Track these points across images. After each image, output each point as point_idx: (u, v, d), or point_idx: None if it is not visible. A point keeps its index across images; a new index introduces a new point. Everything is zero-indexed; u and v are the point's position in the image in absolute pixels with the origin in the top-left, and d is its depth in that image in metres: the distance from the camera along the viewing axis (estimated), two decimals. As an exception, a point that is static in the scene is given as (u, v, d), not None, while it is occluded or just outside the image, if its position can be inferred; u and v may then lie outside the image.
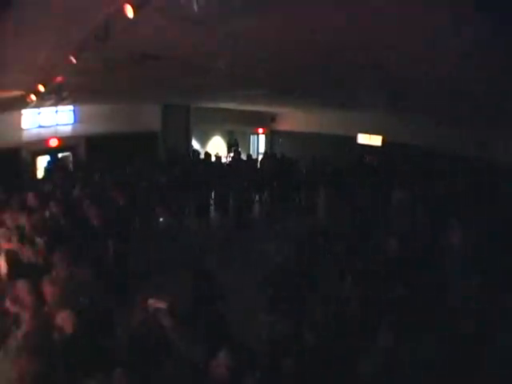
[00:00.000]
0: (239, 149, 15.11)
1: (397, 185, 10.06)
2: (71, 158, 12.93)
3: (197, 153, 14.24)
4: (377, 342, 4.57)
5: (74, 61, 4.97)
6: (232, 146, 16.08)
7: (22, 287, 4.53)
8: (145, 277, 6.69)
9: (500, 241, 6.41)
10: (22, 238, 6.11)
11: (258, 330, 5.24)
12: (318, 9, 3.50)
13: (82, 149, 12.99)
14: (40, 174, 11.90)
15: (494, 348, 4.48)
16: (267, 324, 5.37)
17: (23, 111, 11.18)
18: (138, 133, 13.73)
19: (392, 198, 9.39)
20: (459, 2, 3.07)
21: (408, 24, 3.70)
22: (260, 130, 17.88)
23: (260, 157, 15.71)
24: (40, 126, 11.95)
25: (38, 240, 6.10)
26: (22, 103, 8.44)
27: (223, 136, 17.93)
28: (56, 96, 8.14)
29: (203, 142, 17.40)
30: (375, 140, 14.39)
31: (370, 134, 14.46)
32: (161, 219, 10.37)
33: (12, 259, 5.40)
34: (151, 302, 4.71)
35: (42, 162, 12.08)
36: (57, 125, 12.35)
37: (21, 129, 11.50)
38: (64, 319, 4.07)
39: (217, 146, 17.12)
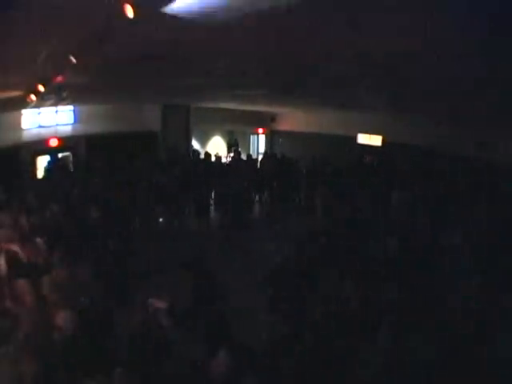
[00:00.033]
0: (239, 149, 15.10)
1: (397, 185, 10.06)
2: (71, 158, 12.92)
3: (197, 153, 14.23)
4: (377, 342, 4.57)
5: (74, 61, 4.97)
6: (232, 145, 16.07)
7: (22, 287, 4.53)
8: (145, 277, 6.69)
9: (500, 241, 6.41)
10: (22, 238, 6.11)
11: (258, 329, 5.25)
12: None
13: (82, 149, 12.98)
14: (40, 173, 11.90)
15: (493, 348, 4.48)
16: (267, 324, 5.37)
17: (23, 111, 11.18)
18: (137, 133, 13.73)
19: (392, 198, 9.38)
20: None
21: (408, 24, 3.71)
22: (260, 130, 17.87)
23: (260, 157, 15.70)
24: (40, 126, 11.95)
25: (38, 240, 6.10)
26: (21, 103, 8.44)
27: (223, 136, 17.92)
28: (56, 96, 8.16)
29: (203, 141, 17.39)
30: (375, 140, 14.38)
31: (369, 134, 14.45)
32: (160, 219, 10.40)
33: (12, 259, 5.39)
34: (151, 301, 4.72)
35: (42, 161, 12.07)
36: (57, 125, 12.35)
37: (21, 129, 11.50)
38: (64, 319, 4.07)
39: (217, 146, 17.11)
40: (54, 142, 12.24)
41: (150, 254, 7.68)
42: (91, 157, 12.55)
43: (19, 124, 11.43)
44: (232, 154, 14.84)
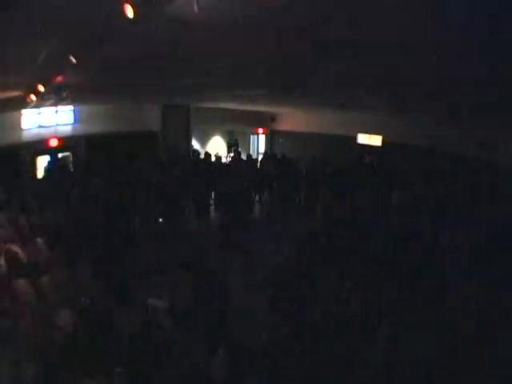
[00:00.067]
0: (239, 149, 15.11)
1: (397, 185, 10.07)
2: (71, 158, 12.92)
3: (197, 153, 14.24)
4: (377, 342, 4.57)
5: (74, 61, 4.97)
6: (232, 145, 16.07)
7: (21, 287, 4.53)
8: (145, 277, 6.69)
9: (499, 241, 6.41)
10: (22, 238, 6.12)
11: (258, 329, 5.24)
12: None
13: (82, 149, 12.98)
14: (40, 173, 11.90)
15: (493, 348, 4.48)
16: (267, 324, 5.37)
17: (23, 111, 11.18)
18: (138, 133, 13.73)
19: (392, 198, 9.39)
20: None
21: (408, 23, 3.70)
22: (260, 130, 17.87)
23: (260, 157, 15.71)
24: (40, 126, 11.96)
25: (38, 240, 6.11)
26: (21, 103, 8.44)
27: (223, 136, 17.92)
28: (56, 96, 8.15)
29: (203, 142, 17.39)
30: (375, 140, 14.38)
31: (369, 133, 14.46)
32: (160, 219, 10.39)
33: (12, 259, 5.40)
34: (151, 301, 4.72)
35: (42, 161, 12.08)
36: (57, 125, 12.36)
37: (21, 129, 11.51)
38: (64, 319, 4.08)
39: (217, 146, 17.11)
40: (54, 142, 12.24)
41: (150, 254, 7.67)
42: (91, 157, 12.55)
43: (19, 124, 11.44)
44: (232, 154, 14.85)
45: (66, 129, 12.64)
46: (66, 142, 12.57)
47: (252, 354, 4.53)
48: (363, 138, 14.73)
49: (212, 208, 11.42)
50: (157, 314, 4.64)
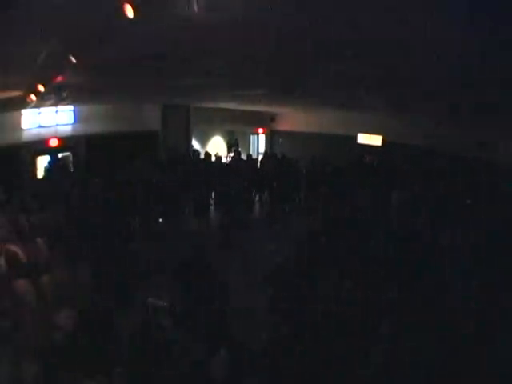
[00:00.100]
0: (239, 149, 15.11)
1: (397, 185, 10.07)
2: (71, 158, 12.92)
3: (197, 153, 14.24)
4: (377, 342, 4.57)
5: (74, 61, 4.97)
6: (232, 145, 16.07)
7: (21, 287, 4.53)
8: (145, 277, 6.69)
9: (499, 241, 6.41)
10: (22, 238, 6.12)
11: (258, 329, 5.25)
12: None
13: (82, 149, 12.97)
14: (40, 173, 11.90)
15: (493, 348, 4.48)
16: (267, 324, 5.37)
17: (23, 111, 11.18)
18: (138, 132, 13.72)
19: (392, 197, 9.39)
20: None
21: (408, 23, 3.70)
22: (260, 130, 17.87)
23: (260, 157, 15.71)
24: (40, 126, 11.95)
25: (38, 240, 6.11)
26: (22, 103, 8.44)
27: (223, 136, 17.92)
28: (56, 96, 8.15)
29: (203, 141, 17.39)
30: (375, 140, 14.38)
31: (369, 133, 14.46)
32: (160, 219, 10.39)
33: (12, 259, 5.40)
34: (151, 301, 4.72)
35: (42, 161, 12.07)
36: (57, 125, 12.35)
37: (21, 129, 11.50)
38: (64, 319, 4.08)
39: (217, 146, 17.11)
40: (54, 142, 12.23)
41: (150, 254, 7.67)
42: (91, 157, 12.55)
43: (19, 124, 11.43)
44: (232, 154, 14.84)
45: (66, 129, 12.64)
46: (66, 142, 12.57)
47: (252, 353, 4.53)
48: (363, 138, 14.73)
49: (212, 208, 11.43)
50: (157, 314, 4.64)
